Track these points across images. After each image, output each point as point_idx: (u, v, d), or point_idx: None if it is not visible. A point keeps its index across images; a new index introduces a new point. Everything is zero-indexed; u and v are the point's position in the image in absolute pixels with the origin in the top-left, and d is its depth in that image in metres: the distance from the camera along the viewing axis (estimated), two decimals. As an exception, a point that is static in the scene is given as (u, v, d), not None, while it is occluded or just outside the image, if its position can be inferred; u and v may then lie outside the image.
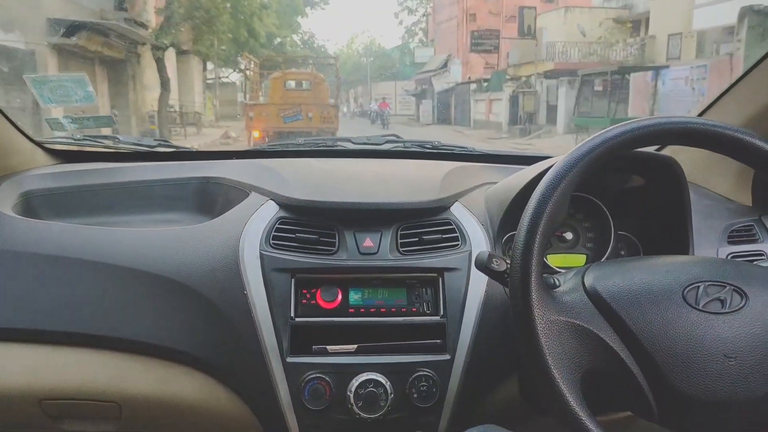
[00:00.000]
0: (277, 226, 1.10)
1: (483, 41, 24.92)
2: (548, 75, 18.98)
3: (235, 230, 1.10)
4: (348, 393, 1.02)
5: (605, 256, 1.17)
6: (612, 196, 1.18)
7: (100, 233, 1.15)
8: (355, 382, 1.02)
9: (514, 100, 19.95)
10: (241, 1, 15.82)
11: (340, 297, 1.07)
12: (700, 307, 0.75)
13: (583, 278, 0.83)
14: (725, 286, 0.76)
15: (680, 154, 1.18)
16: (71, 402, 1.08)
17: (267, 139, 11.42)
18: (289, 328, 1.03)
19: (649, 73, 14.34)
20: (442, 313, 1.07)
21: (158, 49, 12.87)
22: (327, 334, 1.06)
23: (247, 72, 17.33)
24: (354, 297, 1.07)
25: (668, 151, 1.37)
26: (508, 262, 0.78)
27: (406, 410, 1.04)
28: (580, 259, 1.21)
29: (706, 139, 0.78)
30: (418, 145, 1.65)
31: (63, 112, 1.92)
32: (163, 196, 1.33)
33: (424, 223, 1.13)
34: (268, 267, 1.05)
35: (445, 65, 28.90)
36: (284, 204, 1.13)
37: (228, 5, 14.94)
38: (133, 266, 1.08)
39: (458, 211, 1.16)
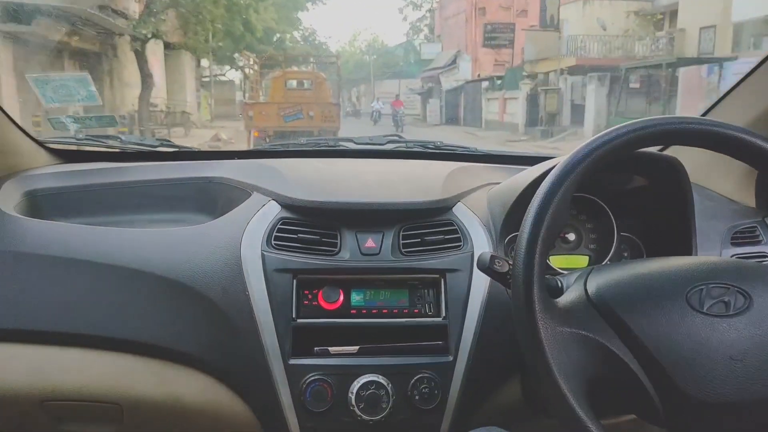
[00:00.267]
0: (278, 226, 1.10)
1: (497, 35, 23.15)
2: (572, 71, 17.44)
3: (237, 230, 1.10)
4: (350, 395, 1.02)
5: (608, 257, 1.17)
6: (615, 196, 1.18)
7: (102, 233, 1.14)
8: (357, 384, 1.02)
9: (532, 99, 18.47)
10: (234, -9, 14.64)
11: (341, 298, 1.07)
12: (704, 311, 0.74)
13: (585, 285, 0.82)
14: (728, 288, 0.76)
15: (683, 154, 1.15)
16: (73, 403, 1.08)
17: (267, 139, 11.14)
18: (291, 329, 1.03)
19: (704, 68, 12.79)
20: (444, 314, 1.07)
21: (137, 41, 11.36)
22: (328, 335, 1.05)
23: (247, 70, 17.11)
24: (356, 298, 1.07)
25: (671, 151, 1.36)
26: (511, 263, 0.78)
27: (408, 412, 1.04)
28: (582, 260, 1.20)
29: (708, 139, 0.78)
30: (420, 145, 1.65)
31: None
32: (165, 196, 1.32)
33: (426, 223, 1.13)
34: (269, 267, 1.05)
35: (453, 62, 27.58)
36: (286, 204, 1.13)
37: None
38: (135, 266, 1.07)
39: (460, 212, 1.16)
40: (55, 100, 1.76)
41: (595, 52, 18.48)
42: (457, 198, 1.17)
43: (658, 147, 1.20)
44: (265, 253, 1.06)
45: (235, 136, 16.54)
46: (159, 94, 15.23)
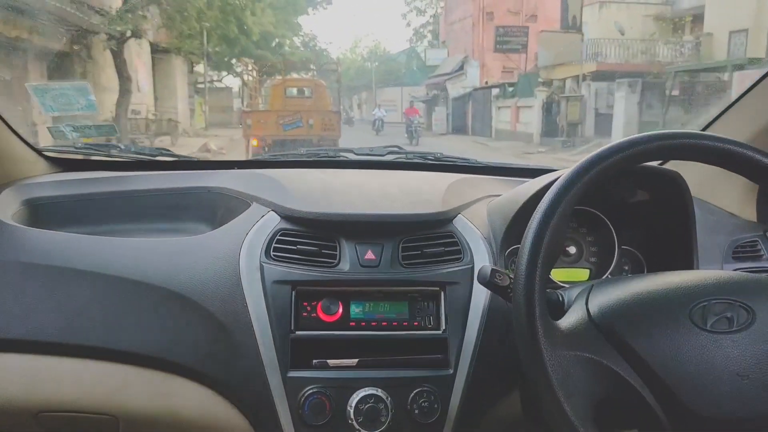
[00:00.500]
0: (278, 237, 1.10)
1: (509, 39, 21.84)
2: (595, 77, 16.11)
3: (236, 241, 1.10)
4: (348, 408, 1.00)
5: (609, 271, 1.18)
6: (616, 210, 1.18)
7: (101, 243, 1.14)
8: (356, 397, 1.01)
9: (548, 107, 17.21)
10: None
11: (341, 310, 1.06)
12: (707, 328, 0.74)
13: (587, 304, 0.82)
14: (731, 303, 0.76)
15: (685, 168, 1.16)
16: (68, 415, 1.06)
17: (266, 149, 10.92)
18: (289, 341, 1.03)
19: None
20: (444, 327, 1.06)
21: (112, 39, 10.07)
22: (327, 347, 1.05)
23: (245, 77, 16.56)
24: (355, 310, 1.07)
25: (673, 165, 1.33)
26: (512, 276, 0.79)
27: (408, 426, 1.03)
28: (583, 274, 1.20)
29: (708, 154, 0.79)
30: (420, 157, 1.65)
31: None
32: (164, 206, 1.31)
33: (426, 235, 1.12)
34: (268, 279, 1.04)
35: (461, 68, 26.41)
36: (285, 215, 1.13)
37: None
38: (133, 276, 1.06)
39: (461, 224, 1.15)
40: (55, 109, 1.74)
41: (615, 57, 17.30)
42: (458, 210, 1.17)
43: (660, 161, 1.20)
44: (264, 264, 1.05)
45: (228, 145, 15.50)
46: (144, 100, 14.05)
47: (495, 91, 21.67)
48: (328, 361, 1.02)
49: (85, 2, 10.08)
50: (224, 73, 25.69)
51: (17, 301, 1.03)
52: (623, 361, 0.74)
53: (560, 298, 0.86)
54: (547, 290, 0.79)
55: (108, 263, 1.06)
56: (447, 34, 33.08)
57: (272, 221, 1.11)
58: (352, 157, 1.60)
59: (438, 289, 1.06)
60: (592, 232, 1.19)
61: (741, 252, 1.21)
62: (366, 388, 1.00)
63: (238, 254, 1.05)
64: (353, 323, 1.04)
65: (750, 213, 1.34)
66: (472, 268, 1.07)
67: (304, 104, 12.42)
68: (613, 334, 0.76)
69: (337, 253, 1.08)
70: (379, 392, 1.00)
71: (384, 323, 1.05)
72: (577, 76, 16.95)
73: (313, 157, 1.64)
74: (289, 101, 12.52)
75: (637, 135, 0.78)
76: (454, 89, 25.79)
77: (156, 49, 15.78)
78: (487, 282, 0.80)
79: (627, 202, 1.14)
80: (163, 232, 1.26)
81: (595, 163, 0.76)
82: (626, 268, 1.18)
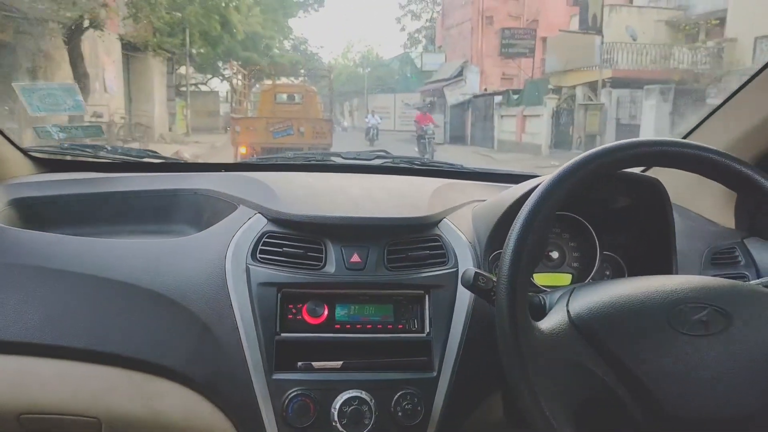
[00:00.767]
0: (264, 239, 1.10)
1: (515, 42, 20.41)
2: (614, 83, 14.80)
3: (222, 243, 1.10)
4: (332, 410, 1.00)
5: (590, 275, 1.20)
6: (598, 215, 1.20)
7: (85, 244, 1.13)
8: (340, 400, 1.00)
9: (559, 117, 15.89)
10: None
11: (326, 312, 1.07)
12: (685, 331, 0.76)
13: (568, 307, 0.83)
14: (707, 308, 0.78)
15: (665, 175, 1.16)
16: (51, 417, 1.05)
17: (254, 156, 10.19)
18: (274, 343, 1.02)
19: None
20: (428, 330, 1.07)
21: (63, 28, 8.53)
22: (312, 349, 1.05)
23: (234, 81, 15.67)
24: (340, 313, 1.07)
25: (653, 172, 1.37)
26: (495, 280, 0.80)
27: (391, 428, 1.03)
28: (565, 278, 1.22)
29: (687, 162, 0.81)
30: (407, 161, 1.67)
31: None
32: (150, 207, 1.32)
33: (411, 239, 1.13)
34: (254, 281, 1.05)
35: (460, 73, 25.17)
36: (272, 217, 1.13)
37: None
38: (118, 277, 1.06)
39: (446, 228, 1.17)
40: (42, 109, 1.74)
41: (627, 62, 16.17)
42: (443, 214, 1.18)
43: (641, 167, 1.25)
44: (249, 266, 1.06)
45: (207, 153, 13.98)
46: (110, 102, 12.50)
47: (498, 99, 20.36)
48: (313, 363, 1.02)
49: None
50: (209, 76, 24.32)
51: (1, 302, 1.02)
52: (603, 363, 0.77)
53: (542, 302, 0.88)
54: (530, 293, 0.83)
55: (93, 264, 1.06)
56: (444, 38, 32.18)
57: (259, 223, 1.12)
58: (339, 161, 1.63)
59: (423, 292, 1.07)
60: (574, 237, 1.21)
61: (719, 259, 1.23)
62: (350, 391, 1.00)
63: (225, 256, 1.06)
64: (338, 326, 1.05)
65: (728, 220, 1.36)
66: (457, 272, 1.08)
67: (294, 111, 12.28)
68: (593, 336, 0.78)
69: (323, 255, 1.08)
70: (363, 395, 1.00)
71: (369, 326, 1.06)
72: (592, 82, 15.71)
73: (301, 161, 1.67)
74: (279, 108, 12.40)
75: (617, 142, 0.81)
76: (453, 96, 24.45)
77: (129, 47, 14.29)
78: (471, 285, 0.83)
79: (609, 208, 1.17)
80: (150, 233, 1.27)
81: (576, 169, 0.79)
82: (607, 273, 1.21)
